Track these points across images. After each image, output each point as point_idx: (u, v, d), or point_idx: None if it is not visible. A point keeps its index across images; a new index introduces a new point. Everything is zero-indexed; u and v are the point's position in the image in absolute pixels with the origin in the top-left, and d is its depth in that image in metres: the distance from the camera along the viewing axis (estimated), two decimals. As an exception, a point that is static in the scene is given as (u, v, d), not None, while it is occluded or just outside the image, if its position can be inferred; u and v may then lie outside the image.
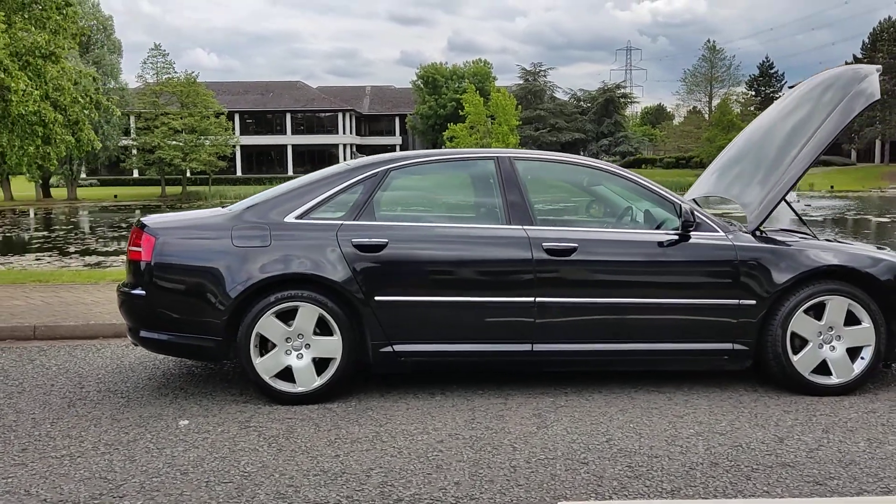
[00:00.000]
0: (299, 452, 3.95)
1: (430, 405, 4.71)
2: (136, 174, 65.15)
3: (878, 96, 5.07)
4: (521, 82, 74.65)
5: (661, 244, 4.89)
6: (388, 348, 4.77)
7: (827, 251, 4.96)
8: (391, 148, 75.03)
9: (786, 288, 4.84)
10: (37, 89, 14.74)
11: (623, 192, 5.25)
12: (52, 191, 55.33)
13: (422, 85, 71.53)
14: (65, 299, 7.85)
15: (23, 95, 13.95)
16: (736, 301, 4.85)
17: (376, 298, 4.71)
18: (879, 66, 5.35)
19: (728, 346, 4.90)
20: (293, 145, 68.76)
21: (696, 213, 4.95)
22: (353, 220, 4.83)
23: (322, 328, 4.71)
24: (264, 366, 4.68)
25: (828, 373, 4.90)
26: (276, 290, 4.68)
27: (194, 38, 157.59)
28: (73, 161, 51.96)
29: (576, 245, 4.81)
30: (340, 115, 69.32)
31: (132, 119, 58.79)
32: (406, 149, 75.56)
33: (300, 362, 4.71)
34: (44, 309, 7.36)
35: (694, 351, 4.91)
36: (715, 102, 77.00)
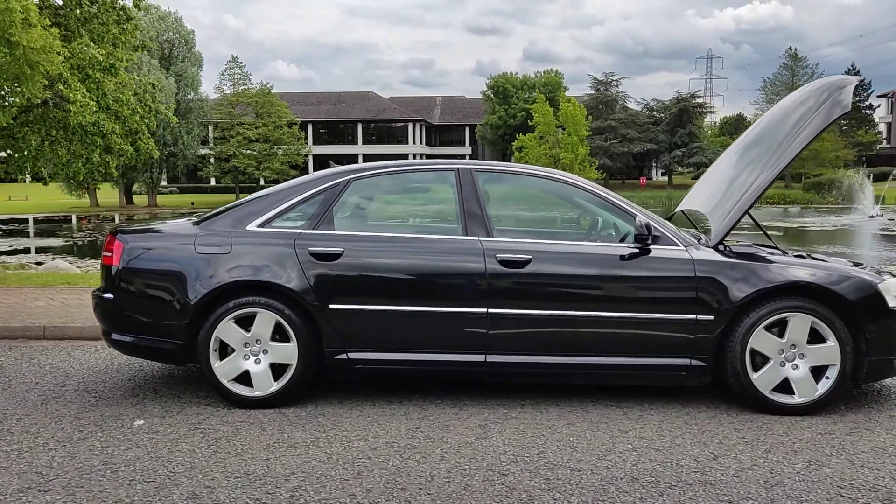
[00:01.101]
0: (233, 455, 4.08)
1: (382, 413, 4.79)
2: (212, 182, 67.14)
3: (848, 108, 4.95)
4: (593, 92, 73.93)
5: (620, 257, 4.85)
6: (343, 356, 4.87)
7: (789, 267, 4.84)
8: (461, 158, 75.38)
9: (744, 304, 4.74)
10: (94, 101, 15.42)
11: (585, 204, 5.23)
12: (135, 198, 57.54)
13: (492, 95, 71.63)
14: (84, 301, 8.23)
15: (80, 107, 14.64)
16: (693, 316, 4.77)
17: (331, 306, 4.81)
18: (857, 78, 5.23)
19: (685, 361, 4.83)
20: (364, 155, 69.78)
21: (654, 226, 4.90)
22: (312, 229, 4.96)
23: (280, 334, 4.84)
24: (223, 370, 4.84)
25: (790, 392, 4.78)
26: (235, 297, 4.83)
27: (275, 50, 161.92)
28: (153, 169, 54.03)
29: (530, 257, 4.82)
30: (411, 125, 70.04)
31: (210, 129, 60.67)
32: (475, 159, 75.85)
33: (258, 367, 4.85)
34: (60, 310, 7.73)
35: (650, 366, 4.85)
36: (796, 112, 74.68)
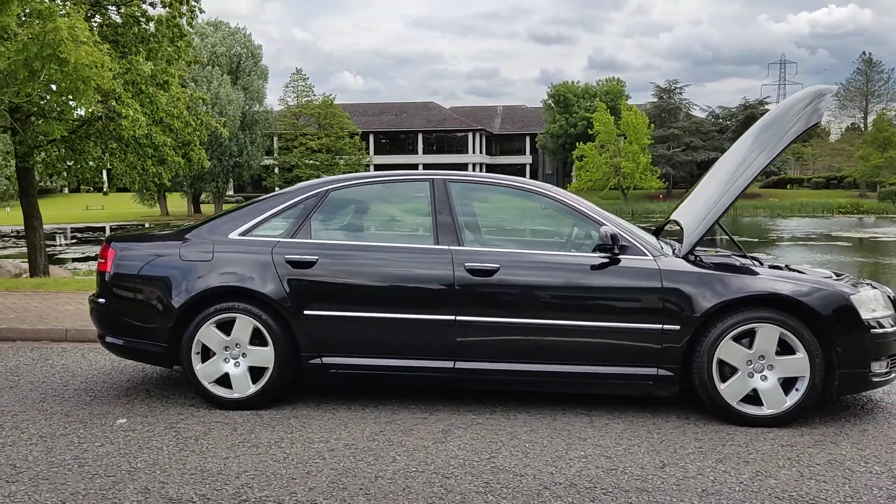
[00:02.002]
0: (196, 453, 4.28)
1: (353, 416, 4.94)
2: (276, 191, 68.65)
3: (818, 119, 4.92)
4: (655, 100, 72.95)
5: (588, 267, 4.90)
6: (318, 360, 5.04)
7: (758, 278, 4.81)
8: (521, 167, 75.24)
9: (711, 314, 4.74)
10: (146, 115, 16.07)
11: (556, 213, 5.29)
12: (203, 206, 59.24)
13: (553, 104, 71.39)
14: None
15: (132, 121, 15.27)
16: (659, 326, 4.79)
17: (305, 312, 4.99)
18: (836, 87, 5.18)
19: (653, 371, 4.84)
20: (424, 164, 70.37)
21: (623, 235, 4.94)
22: (290, 237, 5.15)
23: (258, 339, 5.04)
24: (204, 372, 5.06)
25: (759, 403, 4.75)
26: (215, 302, 5.05)
27: (342, 61, 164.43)
28: (219, 179, 55.56)
29: (498, 266, 4.91)
30: (471, 135, 70.33)
31: (275, 140, 62.08)
32: (536, 168, 75.58)
33: (237, 370, 5.06)
34: (86, 314, 8.12)
35: (617, 375, 4.88)
36: (871, 119, 72.46)
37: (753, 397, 4.76)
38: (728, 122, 71.68)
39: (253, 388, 5.04)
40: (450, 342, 4.92)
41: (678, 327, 4.77)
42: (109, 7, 17.99)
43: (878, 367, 4.80)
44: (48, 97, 13.48)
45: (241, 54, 58.39)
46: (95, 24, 17.32)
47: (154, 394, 5.47)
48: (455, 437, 4.55)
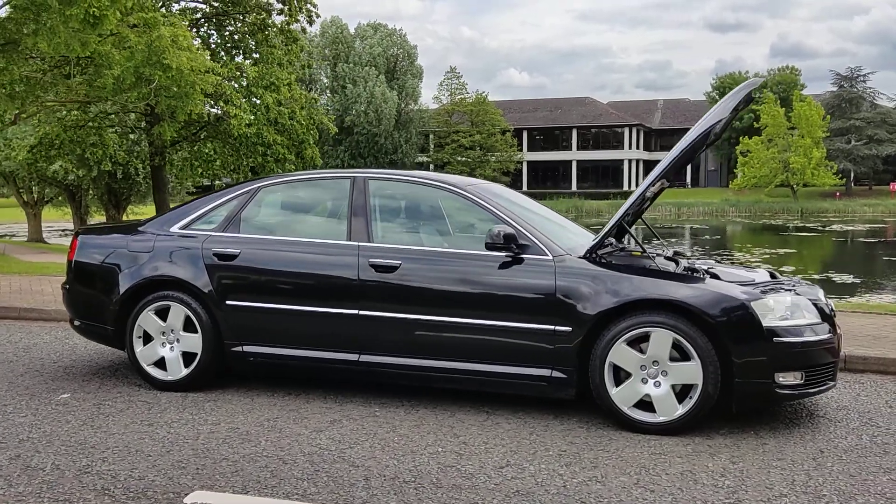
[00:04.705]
0: (92, 427, 4.67)
1: (263, 402, 5.17)
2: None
3: (726, 115, 4.65)
4: (834, 90, 67.94)
5: (487, 264, 4.87)
6: (239, 348, 5.33)
7: (655, 281, 4.60)
8: (683, 162, 72.41)
9: (603, 316, 4.58)
10: (253, 115, 17.17)
11: (469, 211, 5.26)
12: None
13: (717, 97, 68.27)
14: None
15: (238, 121, 16.36)
16: (552, 327, 4.69)
17: (227, 302, 5.29)
18: (761, 80, 4.87)
19: (547, 372, 4.75)
20: (578, 161, 69.46)
21: (524, 234, 4.86)
22: (221, 232, 5.46)
23: (190, 326, 5.39)
24: (143, 354, 5.48)
25: (653, 410, 4.54)
26: (153, 290, 5.46)
27: (509, 58, 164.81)
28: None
29: (399, 262, 4.99)
30: (627, 130, 68.63)
31: (430, 137, 63.57)
32: (697, 164, 72.53)
33: (171, 354, 5.44)
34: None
35: (512, 374, 4.82)
36: None
37: (648, 403, 4.56)
38: (920, 114, 65.51)
39: (185, 372, 5.40)
40: (354, 335, 5.06)
41: (570, 328, 4.65)
42: (234, 16, 19.27)
43: (787, 378, 4.45)
44: (158, 101, 14.69)
45: (397, 55, 60.23)
46: (214, 34, 18.68)
47: (121, 374, 5.96)
48: (337, 427, 4.68)
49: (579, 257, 4.82)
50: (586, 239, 5.37)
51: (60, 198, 30.93)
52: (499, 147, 59.47)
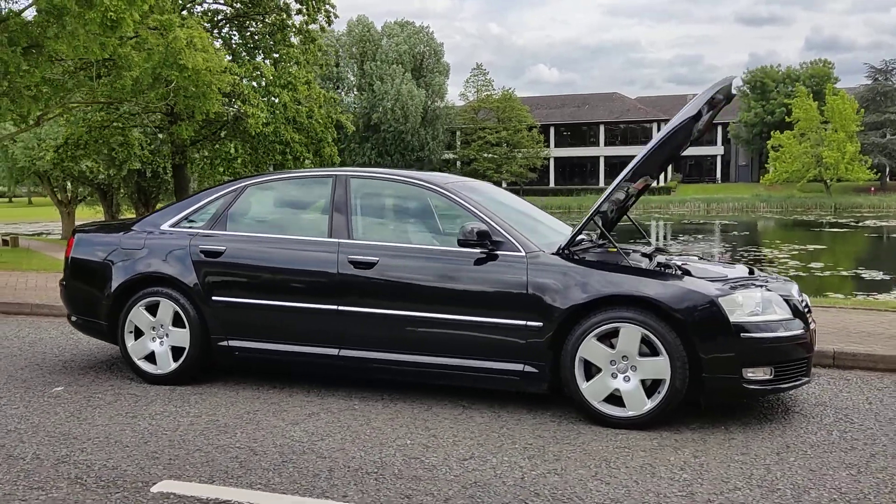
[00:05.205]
0: (78, 419, 4.81)
1: (247, 396, 5.29)
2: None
3: (693, 112, 4.67)
4: (869, 83, 66.77)
5: (462, 261, 4.94)
6: (225, 343, 5.46)
7: (625, 277, 4.63)
8: (711, 158, 71.79)
9: (573, 311, 4.63)
10: (270, 114, 17.39)
11: (447, 208, 5.34)
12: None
13: (748, 90, 67.49)
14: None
15: (255, 120, 16.59)
16: (523, 322, 4.75)
17: (213, 298, 5.42)
18: (733, 77, 4.89)
19: (519, 367, 4.81)
20: (605, 156, 69.06)
21: (498, 230, 4.93)
22: (209, 229, 5.60)
23: (178, 321, 5.53)
24: (135, 349, 5.64)
25: (623, 404, 4.59)
26: (144, 287, 5.61)
27: (537, 54, 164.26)
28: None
29: (377, 259, 5.08)
30: (655, 126, 68.03)
31: (457, 134, 63.62)
32: (727, 159, 71.78)
33: (161, 348, 5.58)
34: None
35: (486, 369, 4.89)
36: None
37: (618, 398, 4.60)
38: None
39: (173, 366, 5.54)
40: (334, 330, 5.16)
41: (541, 324, 4.71)
42: (255, 17, 19.50)
43: (756, 374, 4.47)
44: (177, 101, 14.96)
45: (423, 52, 60.31)
46: (236, 34, 18.93)
47: (109, 368, 6.12)
48: (313, 420, 4.79)
49: (552, 254, 4.87)
50: (566, 236, 5.41)
51: (93, 196, 31.63)
52: (525, 143, 59.36)
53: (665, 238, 32.42)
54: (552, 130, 68.71)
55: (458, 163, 62.02)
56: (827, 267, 19.41)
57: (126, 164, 20.20)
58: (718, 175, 71.22)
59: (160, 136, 21.28)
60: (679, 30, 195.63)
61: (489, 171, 58.90)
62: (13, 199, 68.18)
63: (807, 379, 4.75)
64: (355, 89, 59.40)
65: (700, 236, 32.20)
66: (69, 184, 30.26)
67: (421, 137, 58.32)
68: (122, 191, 28.08)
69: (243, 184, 5.75)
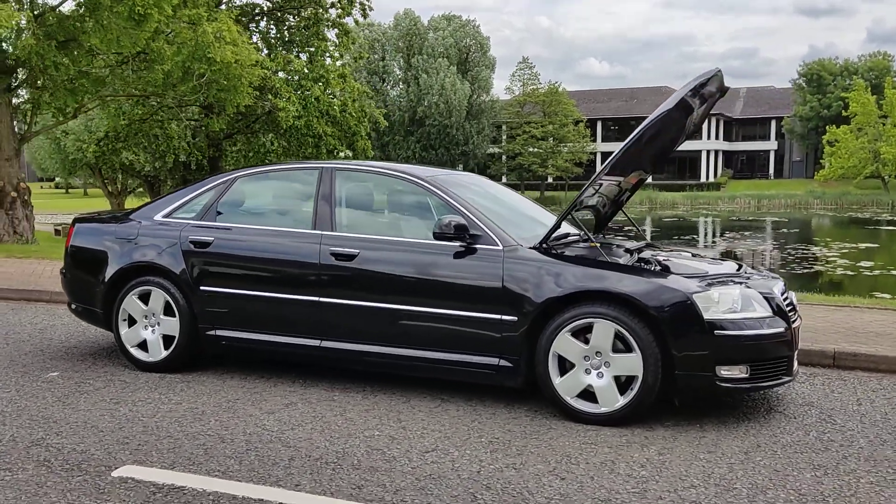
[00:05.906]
0: (62, 404, 4.93)
1: (232, 385, 5.35)
2: (504, 179, 70.12)
3: (670, 105, 4.58)
4: (930, 76, 64.57)
5: (441, 254, 4.92)
6: (213, 332, 5.53)
7: (600, 272, 4.56)
8: (764, 154, 70.30)
9: (547, 306, 4.59)
10: (301, 107, 17.54)
11: (430, 200, 5.31)
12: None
13: (803, 84, 65.87)
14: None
15: (285, 113, 16.76)
16: (498, 316, 4.72)
17: (201, 288, 5.50)
18: (716, 69, 4.78)
19: (494, 360, 4.78)
20: (654, 151, 68.05)
21: (476, 224, 4.90)
22: (199, 220, 5.67)
23: (169, 310, 5.63)
24: (128, 337, 5.75)
25: (596, 400, 4.53)
26: (136, 276, 5.72)
27: (586, 48, 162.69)
28: (447, 167, 58.05)
29: (357, 251, 5.09)
30: (706, 120, 66.81)
31: (503, 128, 63.38)
32: (781, 154, 70.21)
33: (153, 337, 5.69)
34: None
35: (462, 362, 4.87)
36: None
37: (592, 394, 4.55)
38: None
39: (164, 354, 5.64)
40: (315, 321, 5.19)
41: (516, 318, 4.67)
42: (290, 11, 19.68)
43: (731, 372, 4.37)
44: (208, 94, 15.20)
45: (469, 46, 60.20)
46: (273, 29, 19.13)
47: (109, 355, 6.25)
48: (289, 410, 4.83)
49: (529, 248, 4.82)
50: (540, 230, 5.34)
51: (142, 188, 32.45)
52: (571, 138, 58.87)
53: (712, 235, 31.88)
54: (599, 125, 68.01)
55: (504, 157, 61.81)
56: (876, 266, 18.85)
57: (167, 156, 20.61)
58: (771, 171, 69.74)
59: (195, 129, 21.69)
60: (735, 22, 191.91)
61: (534, 165, 58.60)
62: (69, 191, 70.09)
63: (788, 378, 4.63)
64: (401, 83, 59.57)
65: (748, 233, 31.54)
66: (119, 175, 31.09)
67: (465, 131, 58.25)
68: (168, 182, 28.71)
69: (233, 175, 5.81)
